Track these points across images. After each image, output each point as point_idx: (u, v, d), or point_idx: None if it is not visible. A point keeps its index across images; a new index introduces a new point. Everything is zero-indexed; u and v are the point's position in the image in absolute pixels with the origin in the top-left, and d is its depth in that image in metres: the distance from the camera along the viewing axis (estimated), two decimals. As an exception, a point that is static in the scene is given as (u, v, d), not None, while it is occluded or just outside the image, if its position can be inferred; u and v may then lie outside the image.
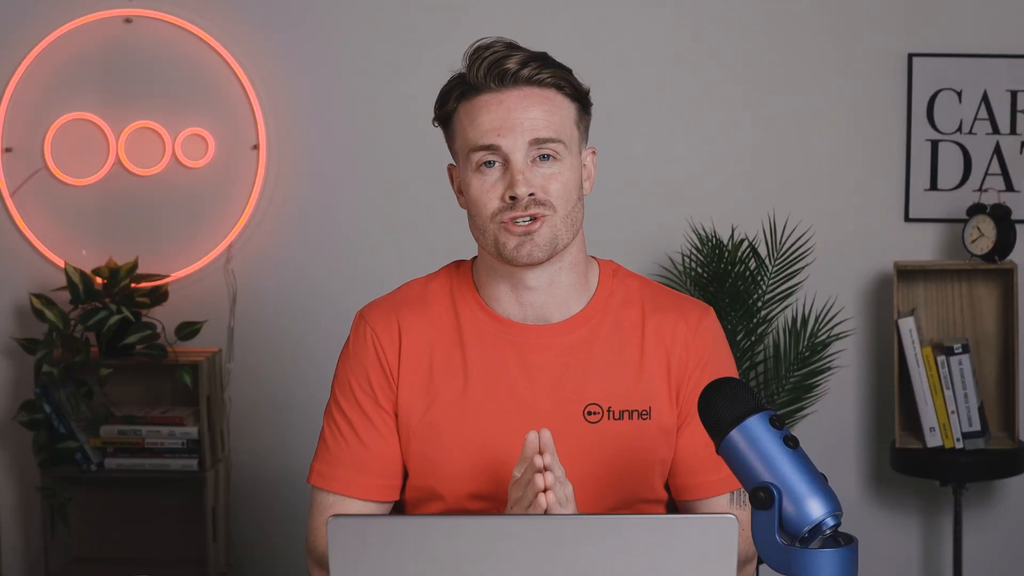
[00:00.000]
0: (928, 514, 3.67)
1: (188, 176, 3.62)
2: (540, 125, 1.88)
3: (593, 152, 1.99)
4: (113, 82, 3.61)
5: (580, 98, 1.94)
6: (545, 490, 1.73)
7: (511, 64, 1.88)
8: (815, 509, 1.43)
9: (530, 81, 1.89)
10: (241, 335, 3.65)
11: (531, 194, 1.87)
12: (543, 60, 1.91)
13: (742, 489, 1.95)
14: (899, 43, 3.57)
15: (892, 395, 3.52)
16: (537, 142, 1.87)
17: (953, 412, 3.37)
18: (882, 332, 3.64)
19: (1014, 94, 3.56)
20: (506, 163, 1.88)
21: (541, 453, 1.74)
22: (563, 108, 1.91)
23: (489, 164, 1.89)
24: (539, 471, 1.73)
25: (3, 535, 3.67)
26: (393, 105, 3.61)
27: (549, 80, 1.90)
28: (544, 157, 1.88)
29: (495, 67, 1.88)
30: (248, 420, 3.68)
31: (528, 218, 1.87)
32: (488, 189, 1.89)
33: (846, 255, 3.62)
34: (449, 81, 1.94)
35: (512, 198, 1.86)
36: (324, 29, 3.61)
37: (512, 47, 1.91)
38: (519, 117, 1.87)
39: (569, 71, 1.93)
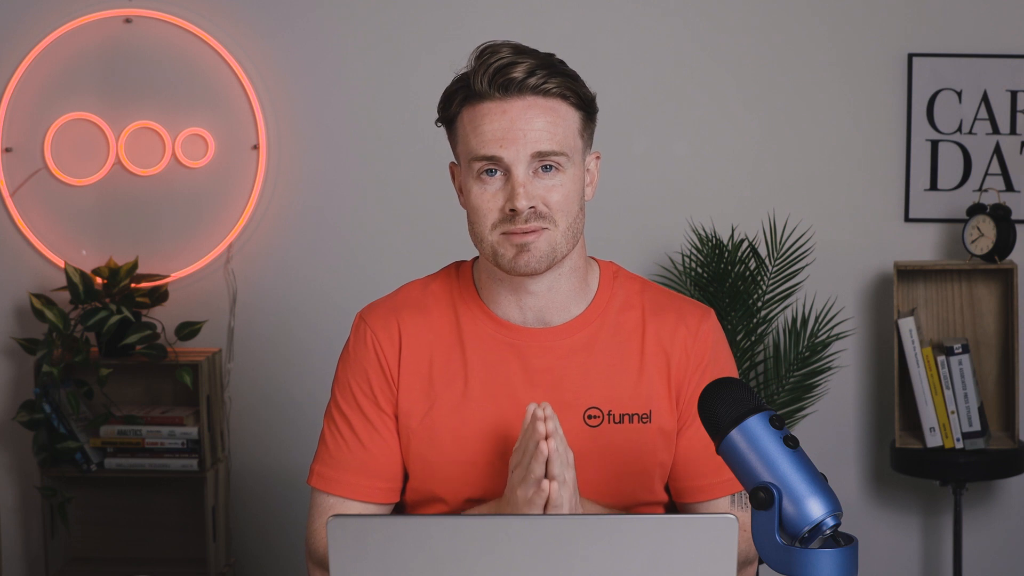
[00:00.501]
0: (928, 514, 3.67)
1: (188, 176, 3.62)
2: (544, 137, 1.84)
3: (597, 157, 1.97)
4: (113, 82, 3.60)
5: (585, 106, 1.90)
6: (547, 438, 1.73)
7: (517, 73, 1.84)
8: (815, 509, 1.43)
9: (536, 91, 1.85)
10: (241, 335, 3.65)
11: (532, 207, 1.85)
12: (550, 68, 1.86)
13: (743, 492, 1.95)
14: (899, 43, 3.57)
15: (892, 395, 3.52)
16: (540, 155, 1.85)
17: (953, 412, 3.37)
18: (882, 332, 3.64)
19: (1014, 94, 3.56)
20: (507, 173, 1.85)
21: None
22: (568, 118, 1.88)
23: (490, 173, 1.86)
24: (540, 420, 1.74)
25: (3, 535, 3.67)
26: (393, 105, 3.60)
27: (555, 90, 1.86)
28: (546, 168, 1.86)
29: (500, 75, 1.84)
30: (248, 420, 3.68)
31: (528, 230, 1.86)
32: (488, 198, 1.87)
33: (846, 255, 3.61)
34: (453, 82, 1.90)
35: (512, 210, 1.85)
36: (324, 29, 3.61)
37: (519, 52, 1.87)
38: (523, 128, 1.84)
39: (575, 78, 1.89)
